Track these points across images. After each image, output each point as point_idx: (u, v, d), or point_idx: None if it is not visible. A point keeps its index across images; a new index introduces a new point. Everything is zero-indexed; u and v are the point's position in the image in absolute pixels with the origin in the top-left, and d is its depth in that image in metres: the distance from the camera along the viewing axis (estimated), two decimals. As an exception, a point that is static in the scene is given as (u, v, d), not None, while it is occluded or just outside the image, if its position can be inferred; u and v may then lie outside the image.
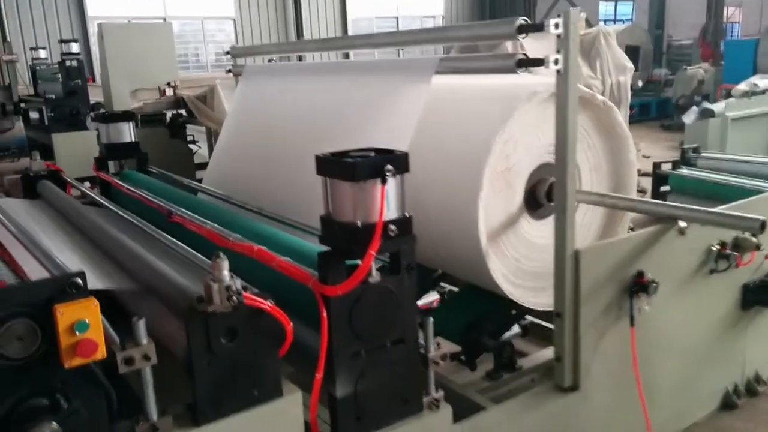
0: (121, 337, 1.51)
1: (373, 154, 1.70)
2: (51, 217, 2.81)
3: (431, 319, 1.89)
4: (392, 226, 1.67)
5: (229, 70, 4.03)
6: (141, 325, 1.44)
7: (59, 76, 8.43)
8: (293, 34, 15.79)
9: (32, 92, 9.75)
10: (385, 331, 1.79)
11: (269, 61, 4.27)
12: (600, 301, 2.28)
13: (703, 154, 4.43)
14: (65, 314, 1.28)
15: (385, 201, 1.63)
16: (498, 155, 2.62)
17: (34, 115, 8.72)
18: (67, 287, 1.31)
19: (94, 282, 1.89)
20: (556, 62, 1.99)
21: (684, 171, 4.42)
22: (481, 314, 3.04)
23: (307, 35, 15.61)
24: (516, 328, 3.26)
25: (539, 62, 2.02)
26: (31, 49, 10.61)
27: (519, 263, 2.87)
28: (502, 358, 3.00)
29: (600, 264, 2.25)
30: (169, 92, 6.84)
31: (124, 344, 1.43)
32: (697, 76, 11.51)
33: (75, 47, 8.42)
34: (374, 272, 1.71)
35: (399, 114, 2.41)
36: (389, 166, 1.61)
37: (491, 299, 2.94)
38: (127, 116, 3.74)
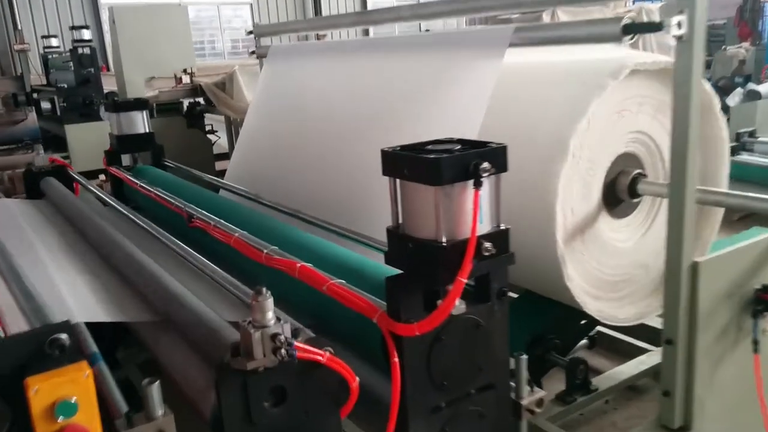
0: (129, 395, 1.12)
1: (457, 146, 1.28)
2: (53, 222, 2.43)
3: (525, 357, 1.47)
4: (487, 244, 1.25)
5: (253, 52, 3.62)
6: (155, 392, 1.03)
7: (71, 64, 8.10)
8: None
9: (45, 82, 9.43)
10: (471, 375, 1.39)
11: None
12: (717, 323, 1.85)
13: (761, 139, 3.95)
14: (41, 391, 0.89)
15: (480, 210, 1.21)
16: (577, 145, 2.20)
17: (45, 105, 8.39)
18: (46, 347, 0.91)
19: (98, 313, 1.50)
20: (679, 25, 1.55)
21: (745, 157, 3.94)
22: (547, 325, 2.64)
23: (325, 20, 15.10)
24: (583, 340, 2.88)
25: (655, 27, 1.59)
26: (43, 37, 10.27)
27: (599, 271, 2.46)
28: (576, 377, 2.59)
29: (719, 278, 1.82)
30: (186, 80, 6.45)
31: (132, 418, 1.03)
32: (737, 56, 10.90)
33: (87, 34, 8.04)
34: (458, 300, 1.30)
35: (464, 98, 1.99)
36: (485, 164, 1.19)
37: (557, 307, 2.54)
38: (139, 104, 3.34)
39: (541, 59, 2.37)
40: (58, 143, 7.94)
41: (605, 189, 2.45)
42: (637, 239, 2.61)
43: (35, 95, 9.07)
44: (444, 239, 1.22)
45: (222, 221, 2.10)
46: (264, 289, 1.11)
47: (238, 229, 1.99)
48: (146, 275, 1.68)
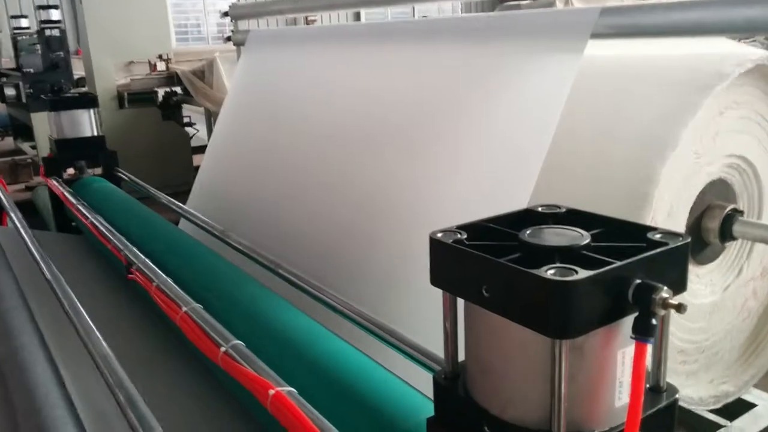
0: None
1: (580, 234, 0.65)
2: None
3: None
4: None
5: (229, 38, 2.96)
6: None
7: (38, 47, 7.39)
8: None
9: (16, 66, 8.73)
10: None
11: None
12: None
13: None
14: None
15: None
16: (671, 169, 1.58)
17: (10, 91, 7.68)
18: None
19: None
20: None
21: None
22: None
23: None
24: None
25: None
26: (12, 17, 9.52)
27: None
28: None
29: None
30: (161, 66, 5.77)
31: None
32: None
33: (55, 14, 7.30)
34: None
35: (530, 101, 1.36)
36: (664, 291, 0.56)
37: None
38: (86, 101, 2.68)
39: (624, 51, 1.74)
40: (28, 132, 7.34)
41: (688, 229, 1.84)
42: (720, 293, 2.00)
43: (3, 80, 8.37)
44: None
45: (168, 282, 1.46)
46: None
47: (188, 298, 1.36)
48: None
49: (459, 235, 0.66)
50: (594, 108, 1.62)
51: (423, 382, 0.97)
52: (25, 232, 1.83)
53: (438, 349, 0.93)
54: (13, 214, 2.09)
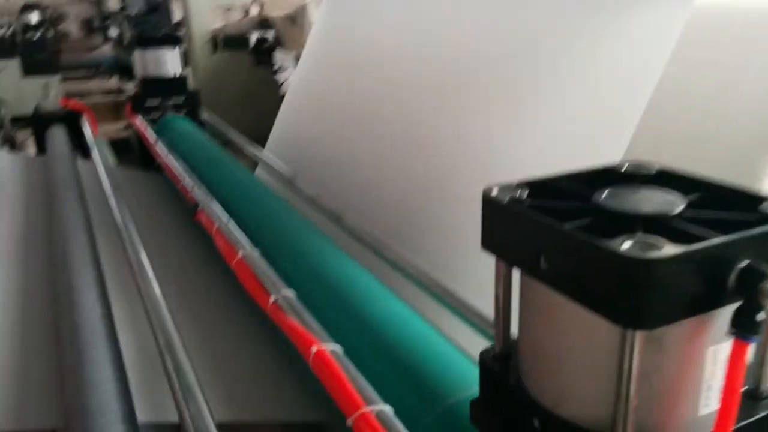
0: None
1: (671, 198, 0.52)
2: (22, 197, 1.81)
3: None
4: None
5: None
6: None
7: (141, -11, 7.59)
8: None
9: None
10: None
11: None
12: None
13: None
14: None
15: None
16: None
17: (114, 32, 7.95)
18: None
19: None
20: None
21: None
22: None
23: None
24: None
25: None
26: (119, -40, 9.81)
27: None
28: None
29: None
30: (255, 10, 5.76)
31: None
32: None
33: (158, -43, 7.44)
34: None
35: (628, 46, 1.19)
36: (779, 276, 0.44)
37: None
38: (170, 39, 2.68)
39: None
40: (129, 72, 7.61)
41: None
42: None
43: (108, 21, 8.70)
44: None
45: (229, 225, 1.42)
46: None
47: (246, 243, 1.31)
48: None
49: (518, 193, 0.55)
50: (710, 59, 1.41)
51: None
52: (100, 167, 1.85)
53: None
54: (94, 150, 2.13)
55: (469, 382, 0.86)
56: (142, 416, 0.87)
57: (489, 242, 0.56)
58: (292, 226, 1.48)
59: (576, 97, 1.26)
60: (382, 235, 1.38)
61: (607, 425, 0.49)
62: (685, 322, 0.45)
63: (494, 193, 0.55)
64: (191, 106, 2.71)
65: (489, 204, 0.55)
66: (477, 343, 1.01)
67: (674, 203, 0.51)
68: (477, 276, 1.36)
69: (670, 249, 0.43)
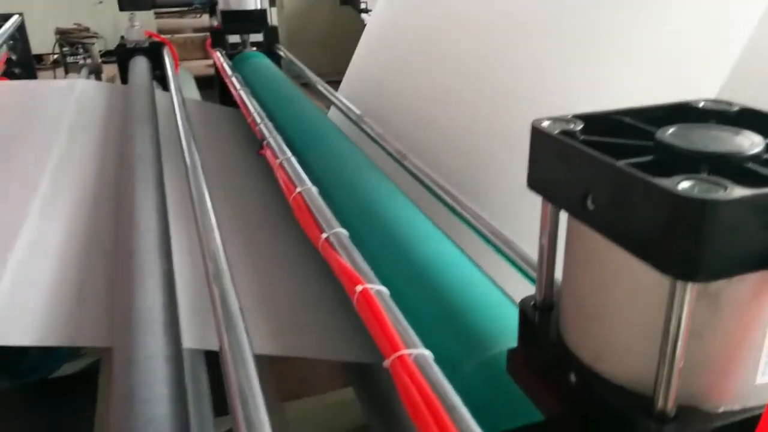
0: None
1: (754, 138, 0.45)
2: (104, 123, 1.86)
3: None
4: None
5: None
6: None
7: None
8: None
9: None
10: None
11: None
12: None
13: None
14: None
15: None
16: None
17: (204, -31, 8.04)
18: None
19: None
20: None
21: None
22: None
23: None
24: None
25: None
26: None
27: None
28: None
29: None
30: (344, -57, 5.66)
31: None
32: None
33: None
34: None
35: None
36: None
37: None
38: (251, -27, 2.66)
39: None
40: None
41: None
42: None
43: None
44: (667, 404, 0.44)
45: (291, 161, 1.41)
46: None
47: (305, 179, 1.30)
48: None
49: (571, 126, 0.49)
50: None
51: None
52: (175, 98, 1.88)
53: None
54: (171, 82, 2.16)
55: (515, 332, 0.83)
56: (187, 343, 0.88)
57: (535, 180, 0.51)
58: (353, 166, 1.46)
59: (668, 36, 1.15)
60: (445, 177, 1.34)
61: (648, 386, 0.44)
62: (748, 278, 0.39)
63: (544, 124, 0.50)
64: (270, 43, 2.71)
65: (537, 136, 0.49)
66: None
67: (751, 144, 0.44)
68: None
69: (736, 191, 0.37)
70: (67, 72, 3.77)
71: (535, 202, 0.54)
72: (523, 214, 1.30)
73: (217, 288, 0.90)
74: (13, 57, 2.41)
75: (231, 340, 0.79)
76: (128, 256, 0.99)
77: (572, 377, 0.50)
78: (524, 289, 1.00)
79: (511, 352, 0.60)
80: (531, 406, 0.58)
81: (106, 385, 1.72)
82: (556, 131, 0.48)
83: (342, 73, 2.42)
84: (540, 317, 0.55)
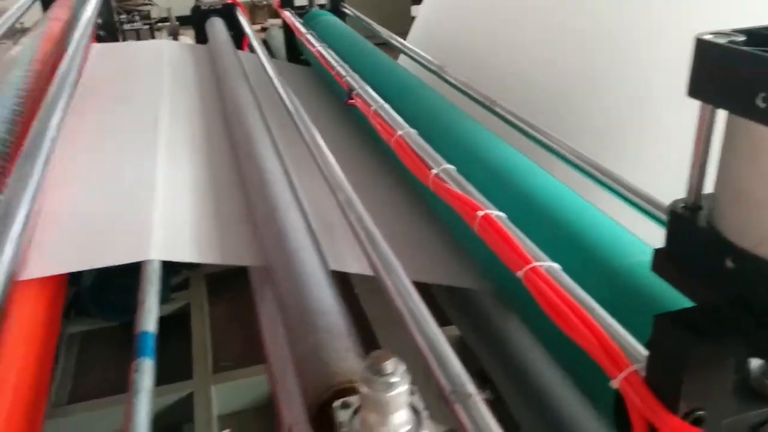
0: None
1: None
2: (194, 80, 1.97)
3: None
4: None
5: None
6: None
7: None
8: None
9: None
10: None
11: None
12: None
13: None
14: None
15: None
16: None
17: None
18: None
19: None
20: None
21: None
22: None
23: None
24: None
25: None
26: None
27: None
28: None
29: None
30: None
31: None
32: None
33: None
34: None
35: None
36: None
37: None
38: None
39: None
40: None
41: None
42: None
43: None
44: None
45: (385, 107, 1.48)
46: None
47: (403, 123, 1.37)
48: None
49: (735, 38, 0.55)
50: None
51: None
52: (262, 55, 1.97)
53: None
54: (254, 40, 2.25)
55: (634, 249, 0.90)
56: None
57: (698, 88, 0.57)
58: (444, 109, 1.52)
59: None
60: (536, 120, 1.40)
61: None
62: None
63: (707, 37, 0.56)
64: (335, 2, 2.77)
65: (703, 47, 0.56)
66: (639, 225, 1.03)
67: None
68: (635, 162, 1.36)
69: None
70: (124, 38, 3.90)
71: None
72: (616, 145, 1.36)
73: (353, 214, 0.98)
74: (100, 21, 2.53)
75: (384, 265, 0.87)
76: (261, 188, 1.09)
77: (729, 263, 0.57)
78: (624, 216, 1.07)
79: (658, 251, 0.67)
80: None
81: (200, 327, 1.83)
82: (724, 41, 0.54)
83: (397, 33, 2.47)
84: (691, 215, 0.62)
